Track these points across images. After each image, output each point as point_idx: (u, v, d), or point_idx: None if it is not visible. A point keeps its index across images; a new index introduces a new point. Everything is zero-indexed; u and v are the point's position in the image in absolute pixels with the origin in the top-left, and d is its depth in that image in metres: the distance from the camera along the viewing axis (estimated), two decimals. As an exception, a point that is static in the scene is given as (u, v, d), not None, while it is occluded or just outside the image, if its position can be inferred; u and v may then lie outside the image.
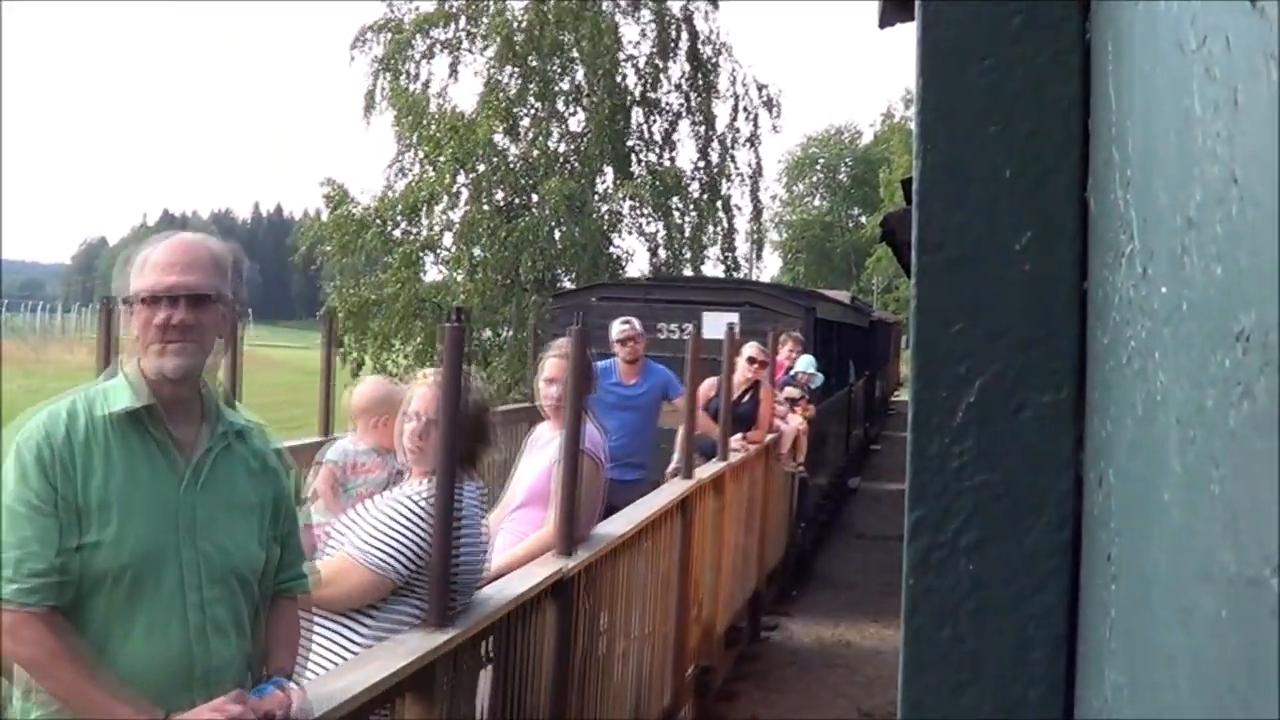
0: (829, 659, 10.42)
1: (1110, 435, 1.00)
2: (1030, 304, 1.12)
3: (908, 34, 1.31)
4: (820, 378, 12.88)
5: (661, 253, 26.86)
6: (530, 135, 25.80)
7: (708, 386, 9.60)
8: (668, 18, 26.82)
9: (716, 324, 12.68)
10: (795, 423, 11.99)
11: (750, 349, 10.50)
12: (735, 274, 27.98)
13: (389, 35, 25.87)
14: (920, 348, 1.15)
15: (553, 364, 6.40)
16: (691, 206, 27.55)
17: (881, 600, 12.01)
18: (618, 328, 9.06)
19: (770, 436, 11.08)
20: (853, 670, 10.04)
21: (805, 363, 12.54)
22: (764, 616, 11.38)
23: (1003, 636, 1.13)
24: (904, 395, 33.28)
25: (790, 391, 12.24)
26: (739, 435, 9.89)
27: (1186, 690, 0.74)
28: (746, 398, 10.39)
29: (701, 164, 27.77)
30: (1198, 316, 0.72)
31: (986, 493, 1.13)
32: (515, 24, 24.87)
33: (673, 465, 9.37)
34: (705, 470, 8.53)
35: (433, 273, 25.55)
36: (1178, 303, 0.77)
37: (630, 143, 27.07)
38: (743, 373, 10.33)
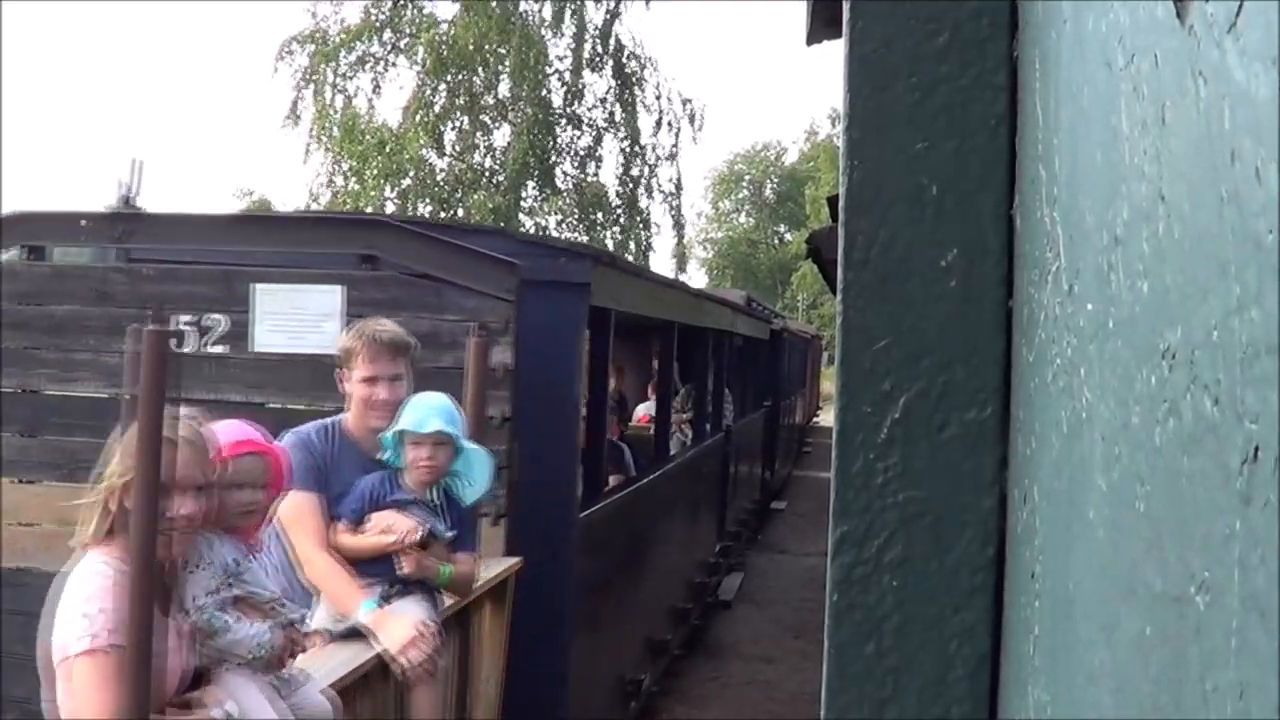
0: (751, 675, 10.44)
1: (1035, 452, 1.00)
2: (956, 321, 1.12)
3: (835, 51, 1.31)
4: (483, 470, 4.24)
5: None
6: (457, 149, 25.71)
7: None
8: (592, 29, 26.82)
9: (292, 313, 5.58)
10: (369, 616, 3.94)
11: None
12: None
13: (313, 47, 25.65)
14: (845, 364, 1.15)
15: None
16: (615, 222, 27.57)
17: (804, 616, 12.05)
18: None
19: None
20: (775, 686, 10.07)
21: (420, 413, 4.16)
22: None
23: (926, 653, 1.13)
24: (826, 421, 32.90)
25: (389, 522, 4.10)
26: None
27: (1110, 707, 0.74)
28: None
29: (625, 178, 27.81)
30: (1124, 334, 0.72)
31: (911, 509, 1.13)
32: (442, 37, 24.75)
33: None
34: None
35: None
36: (1104, 320, 0.77)
37: (555, 157, 27.05)
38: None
